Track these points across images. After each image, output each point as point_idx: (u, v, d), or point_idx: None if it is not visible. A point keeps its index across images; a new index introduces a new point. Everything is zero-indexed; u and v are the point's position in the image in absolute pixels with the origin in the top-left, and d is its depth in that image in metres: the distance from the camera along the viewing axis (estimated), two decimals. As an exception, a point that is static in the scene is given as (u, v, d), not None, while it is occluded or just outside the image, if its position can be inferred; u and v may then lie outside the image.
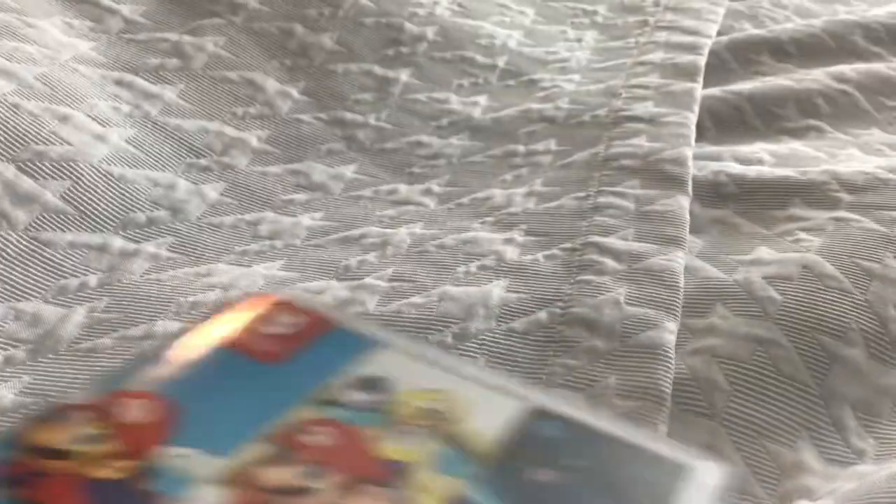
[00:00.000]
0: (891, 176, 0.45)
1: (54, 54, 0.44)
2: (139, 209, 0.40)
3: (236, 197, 0.43)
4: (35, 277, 0.35)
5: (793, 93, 0.56)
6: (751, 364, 0.33)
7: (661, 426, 0.30)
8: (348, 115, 0.51)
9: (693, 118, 0.50)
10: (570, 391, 0.31)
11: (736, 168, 0.47)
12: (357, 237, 0.41)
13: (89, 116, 0.41)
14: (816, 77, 0.58)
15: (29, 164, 0.37)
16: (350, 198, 0.45)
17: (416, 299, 0.36)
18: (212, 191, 0.42)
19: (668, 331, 0.34)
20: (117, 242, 0.38)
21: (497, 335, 0.34)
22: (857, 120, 0.55)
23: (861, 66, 0.60)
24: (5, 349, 0.32)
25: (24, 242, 0.36)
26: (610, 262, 0.38)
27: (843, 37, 0.65)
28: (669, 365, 0.32)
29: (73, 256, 0.37)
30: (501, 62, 0.58)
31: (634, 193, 0.43)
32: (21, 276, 0.35)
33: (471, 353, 0.33)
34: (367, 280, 0.37)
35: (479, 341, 0.34)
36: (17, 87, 0.40)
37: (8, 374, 0.31)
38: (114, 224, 0.38)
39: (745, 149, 0.51)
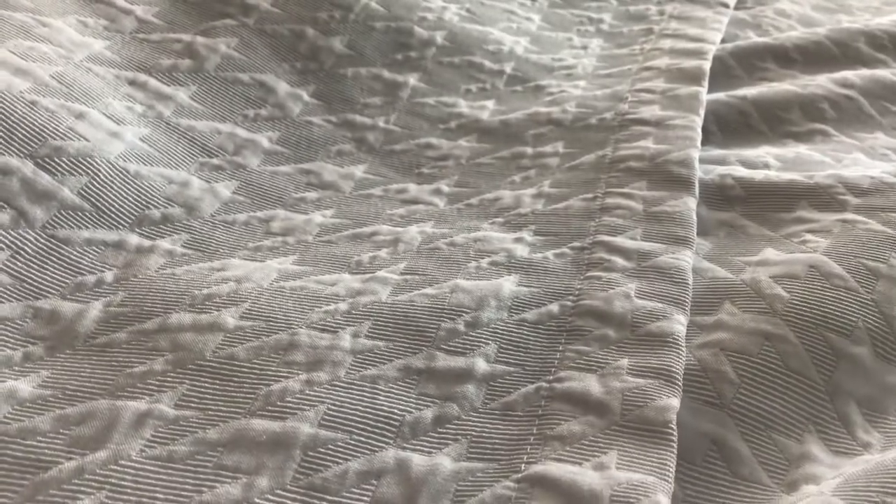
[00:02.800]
0: (896, 179, 0.45)
1: (69, 54, 0.44)
2: (154, 206, 0.40)
3: (249, 195, 0.43)
4: (52, 275, 0.36)
5: (798, 97, 0.57)
6: (759, 358, 0.34)
7: (673, 401, 0.30)
8: (358, 118, 0.51)
9: (699, 121, 0.51)
10: (582, 373, 0.32)
11: (742, 171, 0.47)
12: (368, 234, 0.41)
13: (104, 115, 0.42)
14: (821, 83, 0.59)
15: (47, 159, 0.38)
16: (360, 196, 0.45)
17: (429, 290, 0.36)
18: (224, 189, 0.43)
19: (679, 322, 0.34)
20: (133, 239, 0.38)
21: (509, 324, 0.35)
22: (861, 124, 0.56)
23: (865, 72, 0.60)
24: (24, 346, 0.33)
25: (41, 240, 0.36)
26: (619, 260, 0.39)
27: (847, 44, 0.66)
28: (680, 351, 0.33)
29: (90, 253, 0.37)
30: (509, 68, 0.59)
31: (642, 195, 0.44)
32: (39, 275, 0.35)
33: (482, 341, 0.34)
34: (380, 273, 0.38)
35: (490, 329, 0.34)
36: (33, 84, 0.40)
37: (27, 369, 0.31)
38: (130, 221, 0.39)
39: (751, 153, 0.51)
